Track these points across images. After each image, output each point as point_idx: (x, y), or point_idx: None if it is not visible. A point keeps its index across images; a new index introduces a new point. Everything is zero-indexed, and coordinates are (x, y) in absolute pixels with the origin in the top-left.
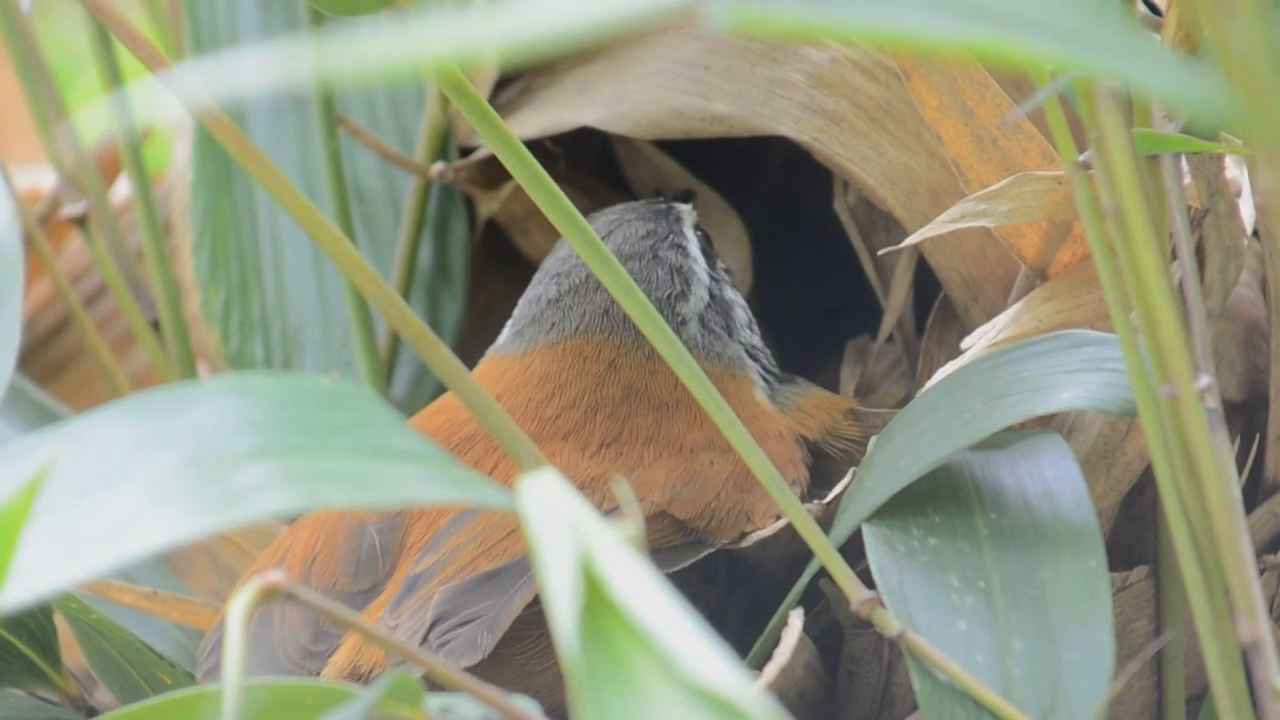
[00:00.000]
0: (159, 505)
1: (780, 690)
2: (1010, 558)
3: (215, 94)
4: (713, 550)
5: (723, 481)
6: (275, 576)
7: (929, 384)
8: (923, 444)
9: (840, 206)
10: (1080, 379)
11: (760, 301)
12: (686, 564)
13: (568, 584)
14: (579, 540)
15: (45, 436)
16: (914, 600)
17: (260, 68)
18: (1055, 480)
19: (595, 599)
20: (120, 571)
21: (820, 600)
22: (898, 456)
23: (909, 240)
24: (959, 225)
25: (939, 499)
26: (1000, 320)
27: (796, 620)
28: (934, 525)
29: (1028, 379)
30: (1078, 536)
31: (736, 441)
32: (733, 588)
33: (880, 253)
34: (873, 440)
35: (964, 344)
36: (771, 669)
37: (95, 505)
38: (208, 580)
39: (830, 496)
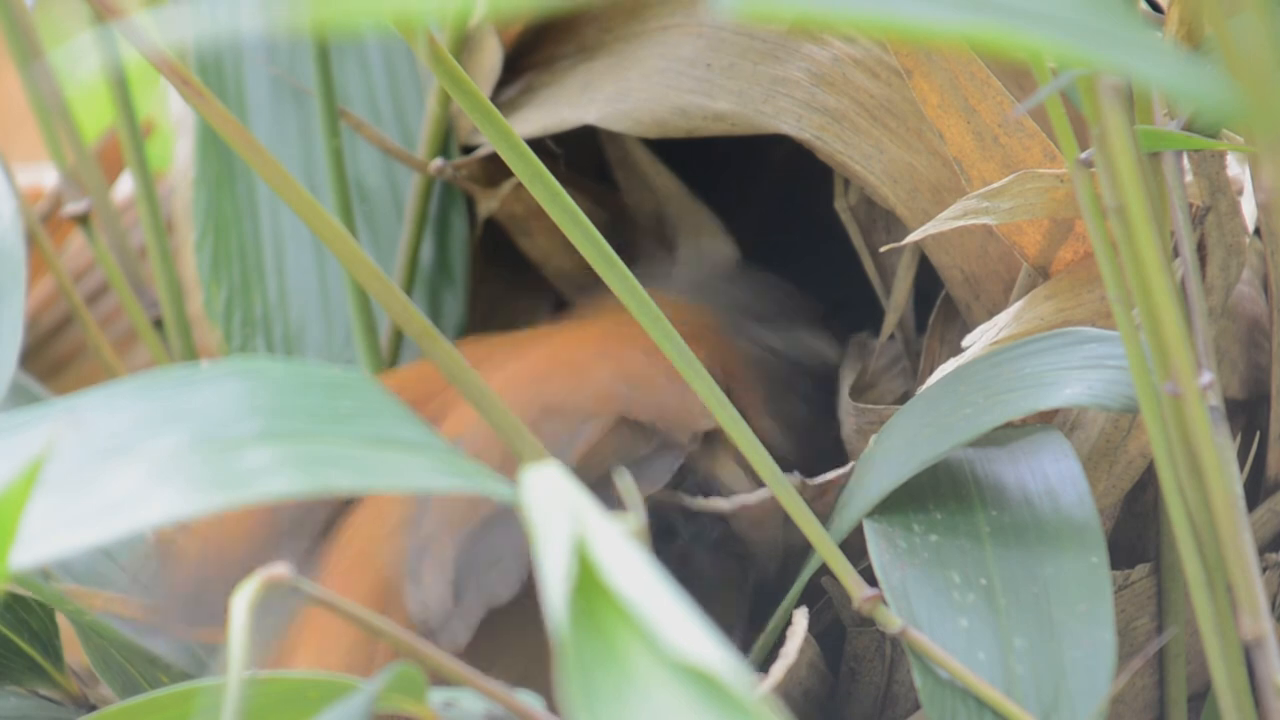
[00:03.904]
0: (159, 484)
1: (785, 689)
2: (1012, 555)
3: (208, 38)
4: (682, 457)
5: (662, 377)
6: (278, 569)
7: (930, 380)
8: (923, 439)
9: (841, 206)
10: (1082, 376)
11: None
12: (668, 477)
13: (561, 566)
14: (575, 525)
15: (48, 411)
16: (915, 597)
17: (251, 13)
18: (1057, 477)
19: (589, 583)
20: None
21: (821, 597)
22: (898, 452)
23: (910, 238)
24: (961, 223)
25: (940, 495)
26: (1002, 318)
27: (802, 619)
28: (935, 522)
29: (1029, 375)
30: (1079, 533)
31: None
32: (723, 562)
33: (882, 250)
34: (873, 439)
35: (965, 341)
36: (779, 668)
37: (96, 481)
38: None
39: (820, 480)
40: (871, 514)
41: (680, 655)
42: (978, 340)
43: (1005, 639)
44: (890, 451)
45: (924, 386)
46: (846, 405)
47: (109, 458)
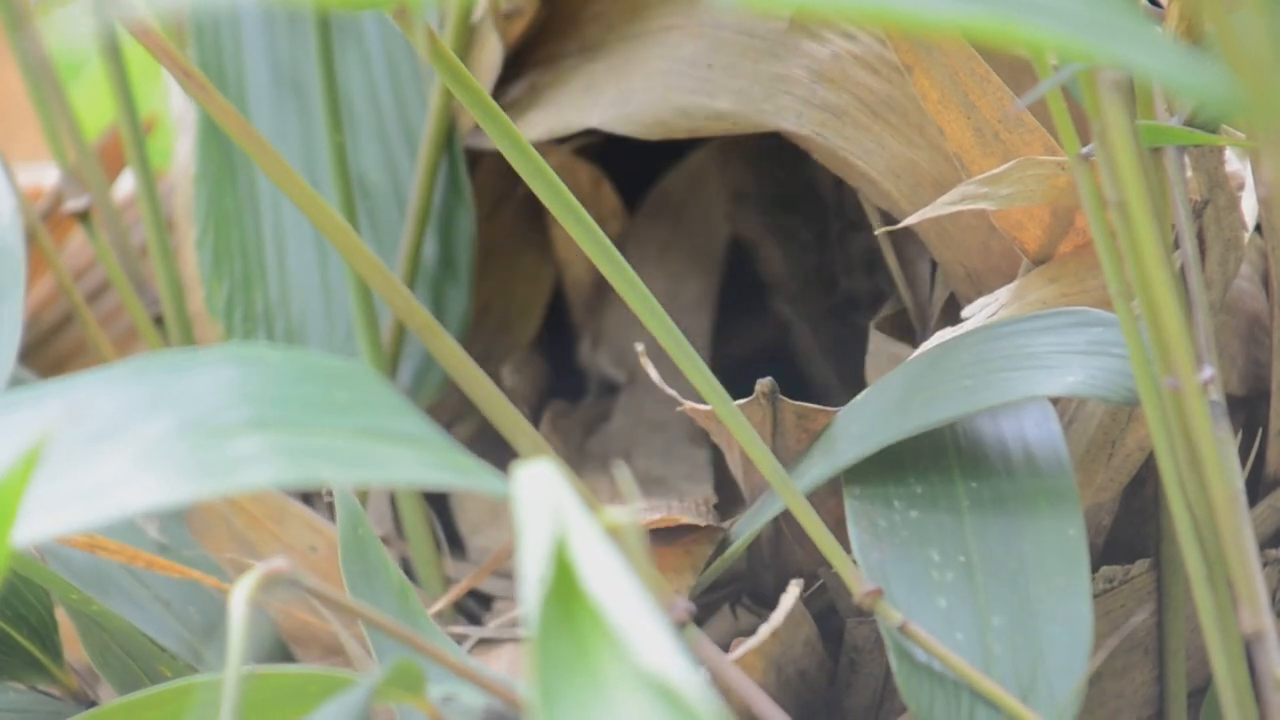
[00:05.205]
0: (145, 470)
1: (778, 664)
2: (990, 529)
3: (208, 27)
4: None
5: None
6: (278, 564)
7: (928, 343)
8: (917, 403)
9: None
10: (1086, 362)
11: (760, 301)
12: None
13: (539, 567)
14: (558, 525)
15: (43, 392)
16: (895, 578)
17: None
18: (1038, 442)
19: (566, 584)
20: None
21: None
22: (890, 411)
23: (907, 221)
24: (958, 208)
25: (920, 465)
26: (1002, 294)
27: (794, 588)
28: (915, 496)
29: (1031, 355)
30: (1057, 504)
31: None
32: None
33: (876, 232)
34: (863, 393)
35: (965, 313)
36: (764, 630)
37: (83, 465)
38: (224, 545)
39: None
40: (851, 486)
41: (646, 666)
42: (976, 313)
43: (983, 618)
44: (883, 411)
45: (923, 347)
46: (874, 336)
47: (99, 441)
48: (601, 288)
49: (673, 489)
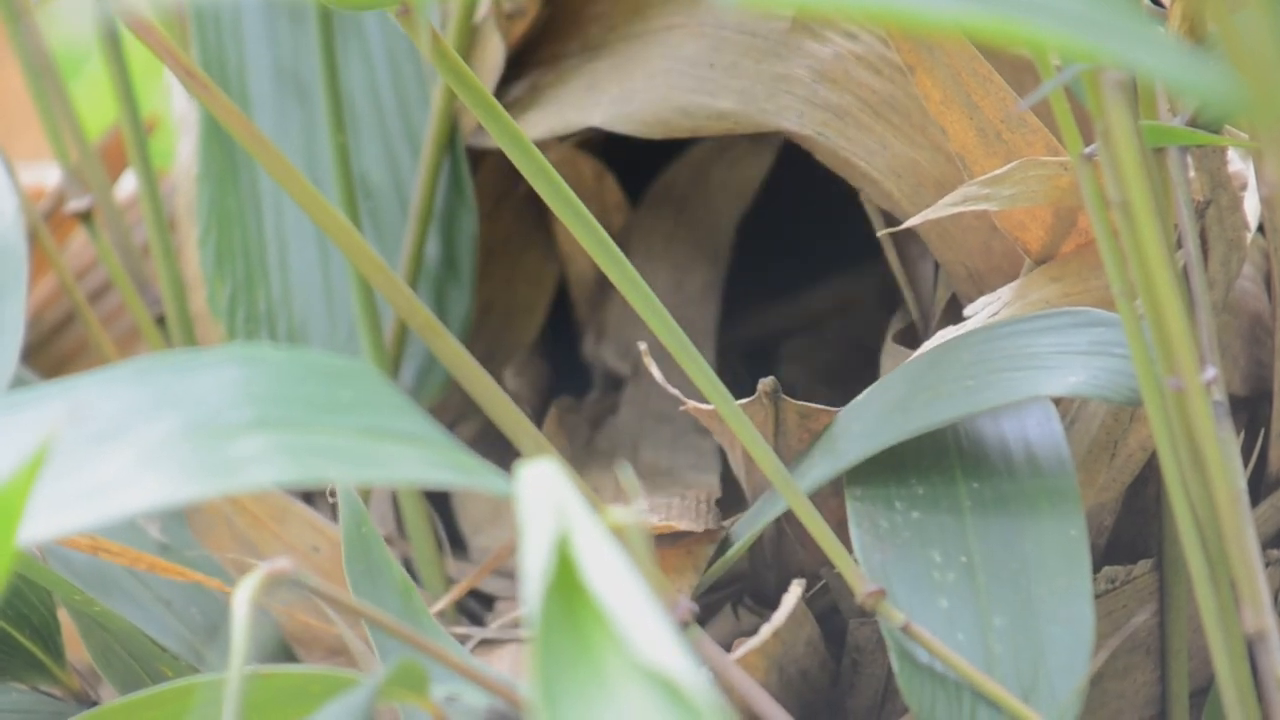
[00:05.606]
0: (148, 470)
1: (780, 664)
2: (992, 529)
3: (210, 27)
4: None
5: None
6: (281, 564)
7: (932, 342)
8: (919, 403)
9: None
10: (1088, 362)
11: (761, 304)
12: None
13: (541, 563)
14: (560, 523)
15: (46, 392)
16: (896, 580)
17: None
18: (1039, 442)
19: (569, 581)
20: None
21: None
22: (892, 411)
23: (910, 222)
24: (960, 209)
25: (922, 466)
26: (1005, 292)
27: (796, 588)
28: (916, 497)
29: (1033, 355)
30: (1059, 505)
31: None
32: None
33: (879, 233)
34: (866, 392)
35: (967, 311)
36: (766, 630)
37: (86, 465)
38: (226, 545)
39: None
40: (853, 486)
41: (646, 660)
42: (979, 311)
43: (985, 618)
44: (886, 409)
45: (925, 346)
46: (889, 349)
47: (101, 442)
48: (605, 282)
49: (680, 479)
